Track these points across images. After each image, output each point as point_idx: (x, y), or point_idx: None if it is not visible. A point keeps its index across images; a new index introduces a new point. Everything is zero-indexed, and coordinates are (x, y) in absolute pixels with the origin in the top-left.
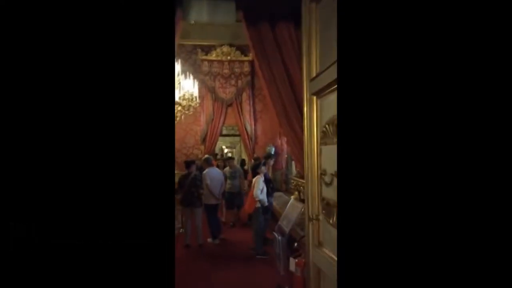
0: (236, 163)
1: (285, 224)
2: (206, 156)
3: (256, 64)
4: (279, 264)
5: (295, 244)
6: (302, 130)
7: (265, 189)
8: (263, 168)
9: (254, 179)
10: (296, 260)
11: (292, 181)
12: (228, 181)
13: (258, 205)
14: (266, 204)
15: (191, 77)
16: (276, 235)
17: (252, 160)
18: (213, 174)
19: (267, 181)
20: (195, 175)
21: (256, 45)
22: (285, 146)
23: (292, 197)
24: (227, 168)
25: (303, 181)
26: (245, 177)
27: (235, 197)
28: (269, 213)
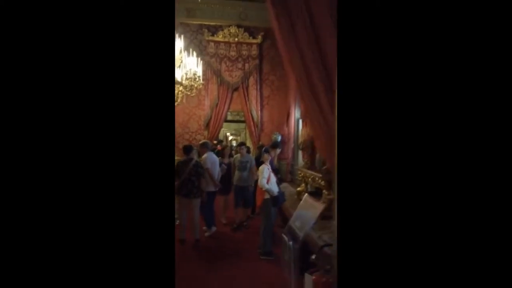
0: (245, 151)
1: (298, 226)
2: (204, 140)
3: (271, 15)
4: (289, 277)
5: (312, 256)
6: (332, 108)
7: (273, 178)
8: (266, 156)
9: (259, 169)
10: (313, 277)
11: (299, 172)
12: (237, 172)
13: (267, 196)
14: (275, 194)
15: (195, 54)
16: (286, 239)
17: (257, 149)
18: (213, 159)
19: (273, 171)
20: (197, 162)
21: None
22: (292, 134)
23: (298, 189)
24: (237, 156)
25: (311, 172)
26: None
27: (243, 192)
28: (278, 205)
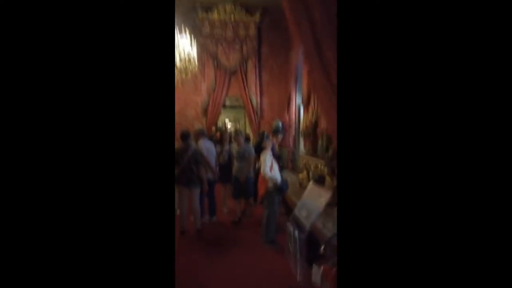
0: (242, 140)
1: (304, 216)
2: (199, 127)
3: None
4: (295, 268)
5: (321, 248)
6: None
7: (275, 165)
8: (267, 142)
9: (261, 157)
10: (322, 269)
11: (301, 159)
12: (235, 163)
13: (270, 184)
14: (279, 182)
15: (187, 32)
16: (291, 229)
17: (258, 136)
18: (208, 146)
19: (275, 158)
20: (195, 150)
21: None
22: (293, 121)
23: (300, 176)
24: (234, 146)
25: (314, 159)
26: None
27: (242, 184)
28: (282, 193)
